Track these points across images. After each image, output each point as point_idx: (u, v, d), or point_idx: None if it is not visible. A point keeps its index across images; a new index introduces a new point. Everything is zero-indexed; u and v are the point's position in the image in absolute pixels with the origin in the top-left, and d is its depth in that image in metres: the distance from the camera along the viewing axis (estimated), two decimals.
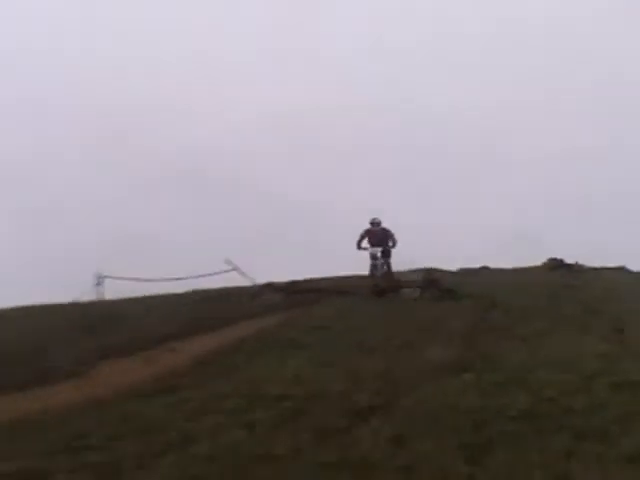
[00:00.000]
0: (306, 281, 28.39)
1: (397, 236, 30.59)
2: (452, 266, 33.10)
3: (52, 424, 9.83)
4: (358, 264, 29.80)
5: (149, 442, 8.30)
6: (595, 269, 28.89)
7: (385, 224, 31.00)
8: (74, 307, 23.15)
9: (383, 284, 28.42)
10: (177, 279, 29.12)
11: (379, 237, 30.16)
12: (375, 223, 30.41)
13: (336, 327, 17.78)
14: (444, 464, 7.24)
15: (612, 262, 30.27)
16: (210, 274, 29.79)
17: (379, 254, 30.05)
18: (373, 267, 30.03)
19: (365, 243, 30.21)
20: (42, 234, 49.81)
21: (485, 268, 32.25)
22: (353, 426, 8.39)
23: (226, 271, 30.52)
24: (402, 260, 30.09)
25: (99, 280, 29.54)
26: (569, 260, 30.10)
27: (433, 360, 12.23)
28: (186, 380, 12.98)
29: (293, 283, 28.32)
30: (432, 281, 25.57)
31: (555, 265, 29.70)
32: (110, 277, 29.42)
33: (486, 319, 17.57)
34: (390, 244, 30.10)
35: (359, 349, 14.34)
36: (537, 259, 31.74)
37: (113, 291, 27.15)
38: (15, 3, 68.62)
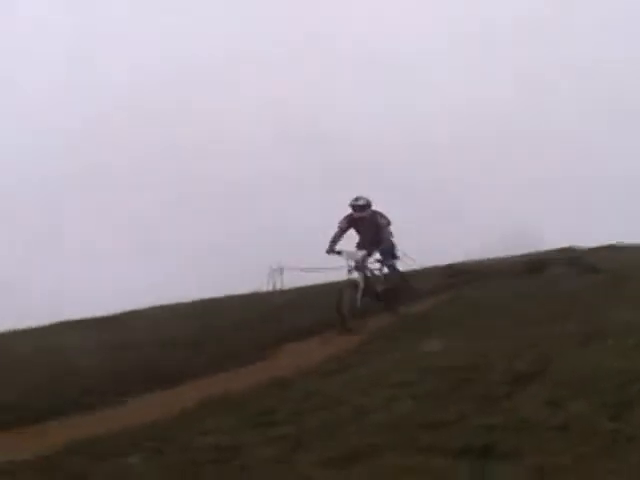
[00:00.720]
0: (464, 263, 28.01)
1: (393, 228, 19.41)
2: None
3: (240, 403, 9.88)
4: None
5: (328, 415, 8.24)
6: None
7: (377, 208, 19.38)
8: (255, 297, 23.40)
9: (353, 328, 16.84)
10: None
11: (368, 227, 18.94)
12: (358, 205, 18.92)
13: (493, 303, 17.65)
14: (593, 422, 6.99)
15: None
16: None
17: (360, 258, 18.35)
18: (347, 290, 17.67)
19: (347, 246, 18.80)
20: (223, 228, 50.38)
21: (614, 246, 31.08)
22: (513, 392, 8.19)
23: None
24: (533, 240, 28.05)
25: (278, 271, 29.77)
26: None
27: (578, 328, 11.92)
28: (358, 358, 12.95)
29: (452, 266, 27.80)
30: (576, 258, 24.58)
31: None
32: (286, 268, 29.65)
33: (621, 290, 17.12)
34: (386, 237, 19.13)
35: (515, 322, 14.15)
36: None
37: (289, 281, 27.46)
38: None
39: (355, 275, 18.10)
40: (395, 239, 19.32)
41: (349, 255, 18.27)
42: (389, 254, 19.29)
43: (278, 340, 15.58)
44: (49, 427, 10.13)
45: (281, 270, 29.36)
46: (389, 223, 19.10)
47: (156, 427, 9.08)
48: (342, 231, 18.83)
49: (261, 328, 16.87)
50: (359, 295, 17.76)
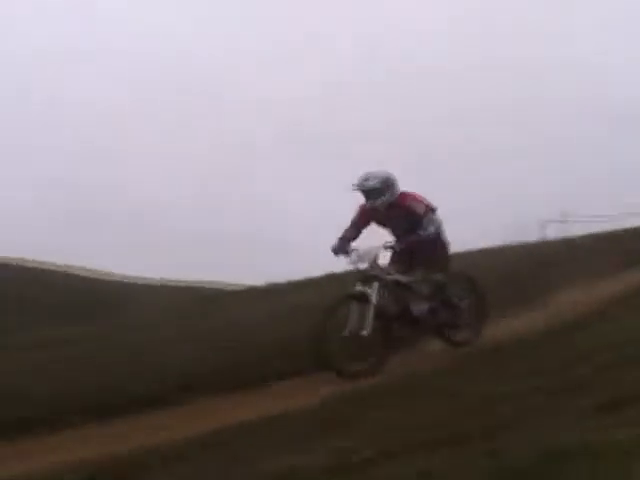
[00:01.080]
0: None
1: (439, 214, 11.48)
2: None
3: (509, 352, 10.27)
4: None
5: (592, 365, 8.00)
6: None
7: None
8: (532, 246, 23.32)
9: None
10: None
11: (396, 219, 11.46)
12: (368, 190, 11.23)
13: None
14: None
15: None
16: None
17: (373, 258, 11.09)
18: (352, 309, 10.77)
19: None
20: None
21: None
22: None
23: None
24: None
25: (563, 218, 29.50)
26: None
27: None
28: (617, 310, 13.07)
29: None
30: None
31: None
32: (554, 221, 29.40)
33: None
34: (421, 232, 11.08)
35: None
36: None
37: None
38: None
39: (368, 287, 11.02)
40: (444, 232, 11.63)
41: (360, 257, 11.21)
42: (427, 254, 11.41)
43: (548, 289, 15.57)
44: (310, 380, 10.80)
45: (563, 218, 29.18)
46: (431, 210, 11.42)
47: (413, 377, 9.62)
48: (356, 226, 11.61)
49: (534, 278, 16.73)
50: (370, 317, 10.77)
